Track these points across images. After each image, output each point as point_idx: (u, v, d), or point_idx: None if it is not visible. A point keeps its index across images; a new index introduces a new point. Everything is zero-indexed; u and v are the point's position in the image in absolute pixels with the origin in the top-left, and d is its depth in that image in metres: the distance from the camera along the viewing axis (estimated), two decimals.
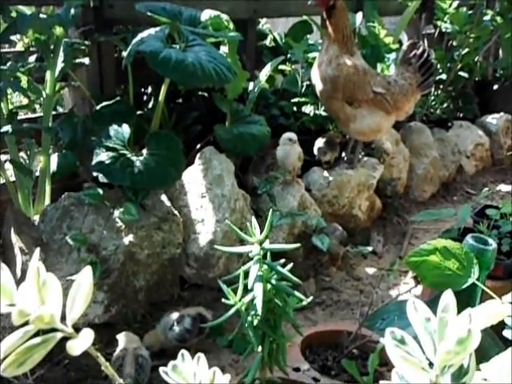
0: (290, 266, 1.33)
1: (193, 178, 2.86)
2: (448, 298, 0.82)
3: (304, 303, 1.34)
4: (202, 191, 2.81)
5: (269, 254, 1.34)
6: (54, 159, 2.84)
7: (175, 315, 2.35)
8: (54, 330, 0.71)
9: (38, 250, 0.81)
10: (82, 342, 0.66)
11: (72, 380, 2.19)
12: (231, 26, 2.96)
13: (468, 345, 0.76)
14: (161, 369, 0.79)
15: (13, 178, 2.70)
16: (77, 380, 2.18)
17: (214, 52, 2.73)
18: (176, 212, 2.67)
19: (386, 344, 0.82)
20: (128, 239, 2.46)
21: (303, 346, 1.82)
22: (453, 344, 0.76)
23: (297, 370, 1.71)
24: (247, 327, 1.28)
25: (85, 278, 0.73)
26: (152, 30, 2.65)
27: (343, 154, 3.60)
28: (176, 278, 2.70)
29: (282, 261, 1.35)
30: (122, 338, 2.19)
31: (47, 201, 2.71)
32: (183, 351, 0.81)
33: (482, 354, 1.05)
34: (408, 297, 2.69)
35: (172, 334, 2.31)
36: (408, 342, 0.83)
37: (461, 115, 5.08)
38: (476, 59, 5.08)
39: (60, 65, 2.61)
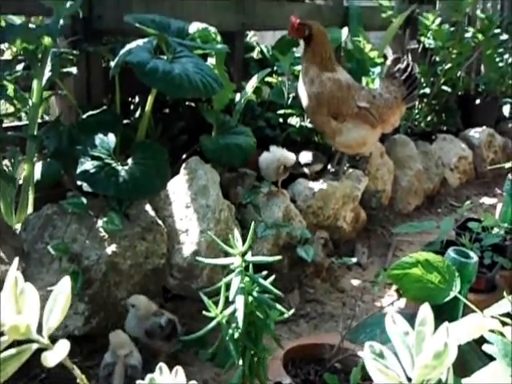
0: (272, 278, 1.33)
1: (178, 187, 2.85)
2: (425, 311, 0.82)
3: (285, 316, 1.34)
4: (186, 201, 2.79)
5: (251, 265, 1.34)
6: (39, 167, 2.82)
7: (155, 307, 2.35)
8: (30, 341, 0.70)
9: (17, 260, 0.80)
10: (57, 354, 0.65)
11: None
12: (219, 38, 2.97)
13: (445, 359, 0.76)
14: (137, 382, 0.78)
15: None
16: None
17: (201, 63, 2.74)
18: (160, 222, 2.66)
19: (364, 357, 0.82)
20: (111, 249, 2.44)
21: (285, 359, 1.81)
22: (430, 358, 0.76)
23: None
24: (228, 340, 1.27)
25: (63, 289, 0.72)
26: (140, 41, 2.65)
27: (329, 166, 3.61)
28: (159, 288, 2.67)
29: (265, 273, 1.35)
30: (113, 338, 2.11)
31: (30, 209, 2.68)
32: (161, 364, 0.81)
33: (466, 368, 1.06)
34: (392, 309, 2.71)
35: (147, 323, 2.26)
36: (387, 355, 0.84)
37: (444, 128, 5.13)
38: (459, 74, 5.14)
39: (47, 74, 2.60)
